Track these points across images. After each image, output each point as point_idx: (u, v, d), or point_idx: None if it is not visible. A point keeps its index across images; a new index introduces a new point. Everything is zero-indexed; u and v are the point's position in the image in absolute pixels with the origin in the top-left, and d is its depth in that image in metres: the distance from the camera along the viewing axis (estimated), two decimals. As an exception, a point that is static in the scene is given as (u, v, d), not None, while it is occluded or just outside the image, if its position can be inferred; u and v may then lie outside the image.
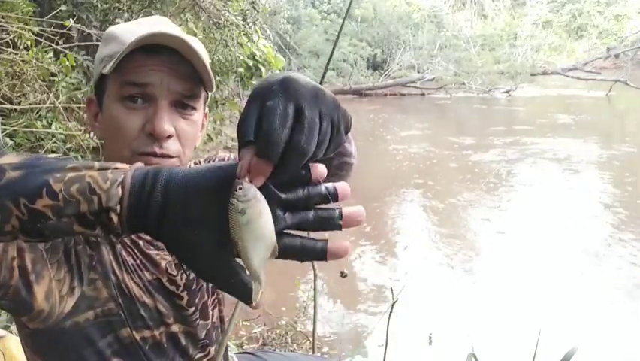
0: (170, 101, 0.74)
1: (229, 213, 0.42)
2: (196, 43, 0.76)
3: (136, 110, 0.73)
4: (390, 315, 1.60)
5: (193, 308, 0.83)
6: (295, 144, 0.43)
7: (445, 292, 3.34)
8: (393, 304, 1.61)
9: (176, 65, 0.73)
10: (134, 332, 0.75)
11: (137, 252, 0.78)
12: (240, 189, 0.42)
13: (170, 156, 0.75)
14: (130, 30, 0.75)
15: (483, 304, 3.18)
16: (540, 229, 4.39)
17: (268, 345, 2.64)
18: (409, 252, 4.14)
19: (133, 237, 0.78)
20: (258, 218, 0.42)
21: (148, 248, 0.79)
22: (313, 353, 2.10)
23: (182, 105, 0.76)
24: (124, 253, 0.76)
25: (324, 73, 1.27)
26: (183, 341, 0.82)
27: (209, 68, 0.74)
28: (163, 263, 0.80)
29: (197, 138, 0.81)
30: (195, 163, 0.94)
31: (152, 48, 0.72)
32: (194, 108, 0.77)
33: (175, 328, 0.80)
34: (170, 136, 0.74)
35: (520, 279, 3.47)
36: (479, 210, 5.03)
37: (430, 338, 2.78)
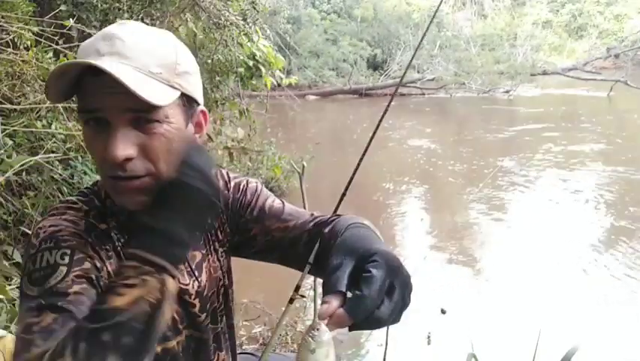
0: (126, 120, 0.68)
1: (300, 347, 0.51)
2: (132, 51, 0.68)
3: (98, 135, 0.69)
4: (390, 315, 1.60)
5: (205, 314, 0.86)
6: (380, 316, 0.53)
7: (445, 292, 3.34)
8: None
9: (118, 82, 0.63)
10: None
11: None
12: (318, 330, 0.51)
13: (138, 176, 0.70)
14: (83, 49, 0.70)
15: (483, 304, 3.18)
16: (540, 229, 4.38)
17: (268, 345, 2.63)
18: (408, 251, 4.14)
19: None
20: (324, 360, 0.52)
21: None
22: (313, 353, 2.10)
23: (143, 120, 0.69)
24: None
25: (402, 76, 1.24)
26: (194, 345, 0.84)
27: (141, 83, 0.65)
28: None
29: (178, 148, 0.72)
30: (221, 175, 0.91)
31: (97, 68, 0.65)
32: (157, 121, 0.69)
33: (186, 332, 0.83)
34: (129, 158, 0.68)
35: (520, 279, 3.47)
36: (479, 209, 5.03)
37: (429, 337, 2.79)
